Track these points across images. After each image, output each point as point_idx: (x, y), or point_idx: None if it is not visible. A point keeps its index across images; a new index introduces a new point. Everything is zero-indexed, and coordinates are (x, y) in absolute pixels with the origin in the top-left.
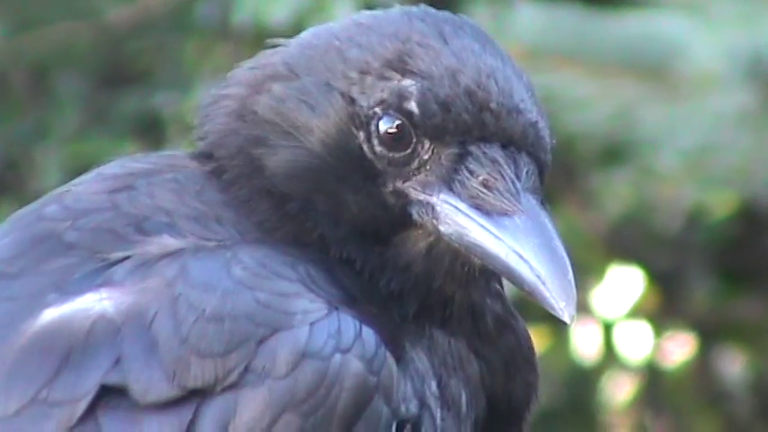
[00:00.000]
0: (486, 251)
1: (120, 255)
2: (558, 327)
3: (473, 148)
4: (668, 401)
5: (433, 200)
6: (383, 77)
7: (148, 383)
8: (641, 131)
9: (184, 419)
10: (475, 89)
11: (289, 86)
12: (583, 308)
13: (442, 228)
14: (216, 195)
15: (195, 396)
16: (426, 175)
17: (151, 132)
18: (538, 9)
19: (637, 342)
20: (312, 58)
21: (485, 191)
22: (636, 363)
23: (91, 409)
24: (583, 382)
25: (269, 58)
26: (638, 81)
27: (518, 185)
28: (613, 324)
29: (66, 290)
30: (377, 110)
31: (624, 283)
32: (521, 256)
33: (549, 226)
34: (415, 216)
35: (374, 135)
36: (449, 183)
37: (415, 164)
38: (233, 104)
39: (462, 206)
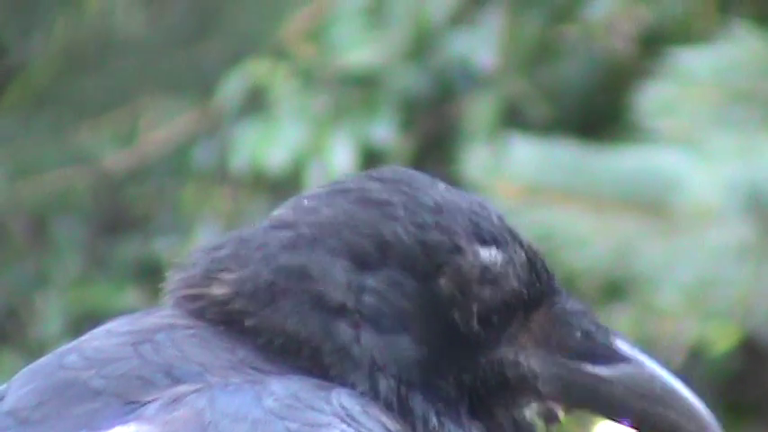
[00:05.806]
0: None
1: (150, 398)
2: None
3: (558, 305)
4: None
5: (532, 362)
6: (469, 254)
7: None
8: (641, 267)
9: None
10: (533, 245)
11: (377, 279)
12: None
13: (543, 389)
14: (253, 352)
15: None
16: (520, 340)
17: (152, 277)
18: (534, 145)
19: None
20: (387, 246)
21: (586, 342)
22: None
23: None
24: None
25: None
26: (637, 216)
27: (604, 330)
28: None
29: (96, 426)
30: (477, 289)
31: None
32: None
33: (664, 370)
34: (513, 381)
35: (473, 314)
36: (545, 343)
37: (509, 332)
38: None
39: (568, 361)
